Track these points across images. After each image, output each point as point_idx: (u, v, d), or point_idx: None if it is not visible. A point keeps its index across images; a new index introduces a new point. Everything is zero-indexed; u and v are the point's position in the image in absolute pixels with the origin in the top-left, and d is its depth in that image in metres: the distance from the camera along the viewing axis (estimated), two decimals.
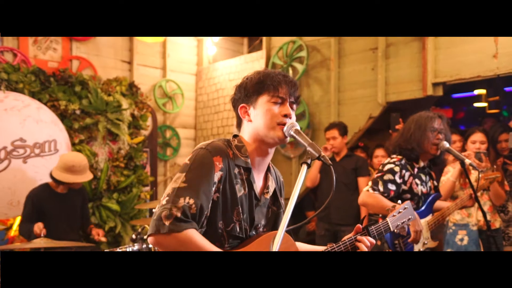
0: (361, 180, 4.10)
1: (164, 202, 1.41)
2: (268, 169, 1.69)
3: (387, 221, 1.82)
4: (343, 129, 4.20)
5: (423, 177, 2.75)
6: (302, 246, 1.75)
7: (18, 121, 4.17)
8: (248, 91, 1.59)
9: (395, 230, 1.86)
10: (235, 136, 1.65)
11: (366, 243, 1.66)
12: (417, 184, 2.68)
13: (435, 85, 4.24)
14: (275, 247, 1.23)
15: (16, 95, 4.17)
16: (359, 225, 1.71)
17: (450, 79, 4.16)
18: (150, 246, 3.29)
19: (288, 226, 1.28)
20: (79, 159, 3.74)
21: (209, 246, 1.42)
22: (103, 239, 3.71)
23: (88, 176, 3.79)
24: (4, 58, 4.57)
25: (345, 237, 1.70)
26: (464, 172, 2.71)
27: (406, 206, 1.93)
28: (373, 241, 1.69)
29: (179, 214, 1.37)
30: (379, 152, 4.45)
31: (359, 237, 1.67)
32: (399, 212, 1.89)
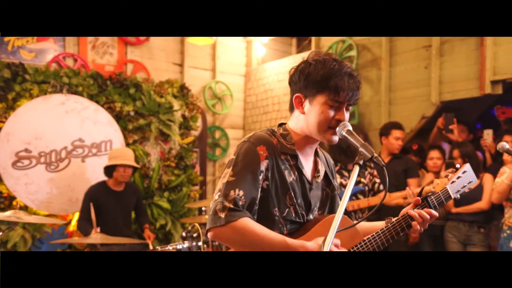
0: (411, 182, 3.95)
1: (216, 197, 1.46)
2: (316, 153, 1.68)
3: (446, 189, 1.65)
4: None
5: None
6: (360, 224, 1.66)
7: (78, 122, 4.42)
8: (308, 84, 1.53)
9: (456, 197, 1.67)
10: (280, 124, 1.65)
11: (425, 215, 1.55)
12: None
13: (494, 83, 4.01)
14: (326, 248, 1.23)
15: (76, 98, 4.42)
16: (418, 198, 1.60)
17: (511, 76, 3.92)
18: (200, 244, 3.36)
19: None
20: (125, 150, 4.06)
21: (267, 231, 1.43)
22: (151, 246, 3.79)
23: (133, 162, 3.98)
24: (65, 63, 4.86)
25: (403, 211, 1.61)
26: None
27: (465, 169, 1.69)
28: (435, 213, 1.57)
29: (231, 205, 1.41)
30: (434, 153, 4.25)
31: (415, 211, 1.57)
32: (459, 177, 1.67)
